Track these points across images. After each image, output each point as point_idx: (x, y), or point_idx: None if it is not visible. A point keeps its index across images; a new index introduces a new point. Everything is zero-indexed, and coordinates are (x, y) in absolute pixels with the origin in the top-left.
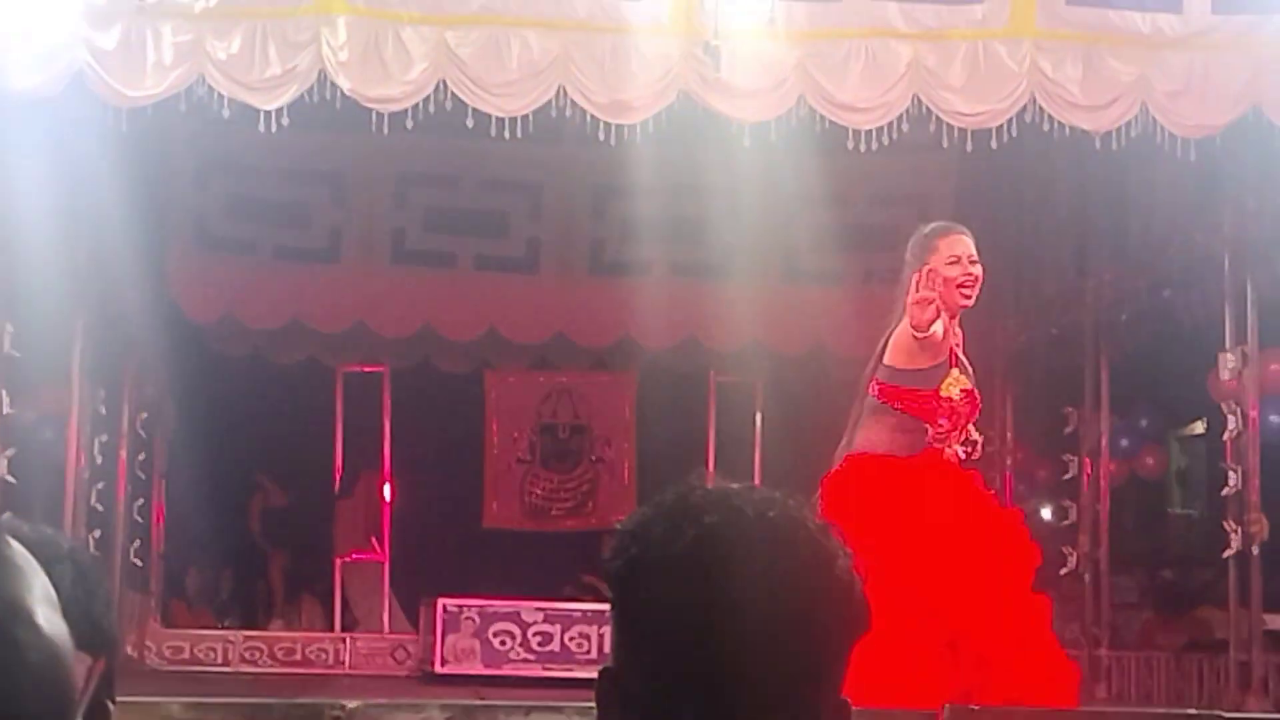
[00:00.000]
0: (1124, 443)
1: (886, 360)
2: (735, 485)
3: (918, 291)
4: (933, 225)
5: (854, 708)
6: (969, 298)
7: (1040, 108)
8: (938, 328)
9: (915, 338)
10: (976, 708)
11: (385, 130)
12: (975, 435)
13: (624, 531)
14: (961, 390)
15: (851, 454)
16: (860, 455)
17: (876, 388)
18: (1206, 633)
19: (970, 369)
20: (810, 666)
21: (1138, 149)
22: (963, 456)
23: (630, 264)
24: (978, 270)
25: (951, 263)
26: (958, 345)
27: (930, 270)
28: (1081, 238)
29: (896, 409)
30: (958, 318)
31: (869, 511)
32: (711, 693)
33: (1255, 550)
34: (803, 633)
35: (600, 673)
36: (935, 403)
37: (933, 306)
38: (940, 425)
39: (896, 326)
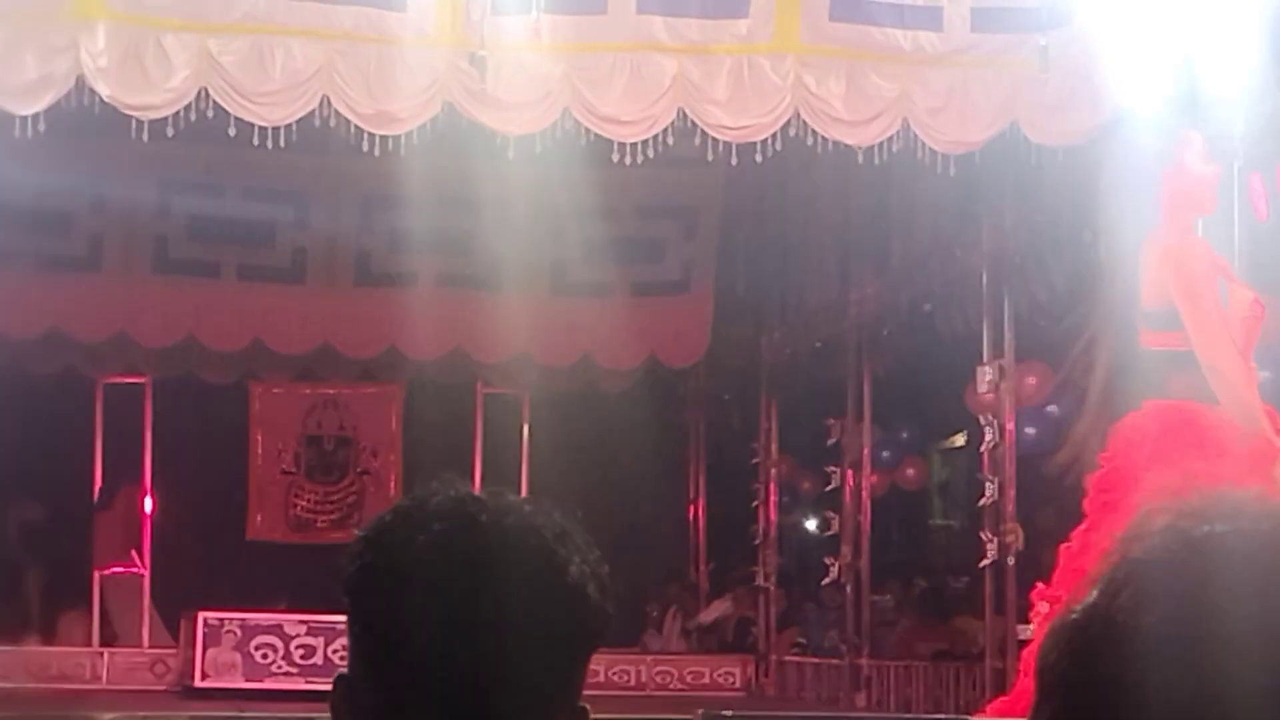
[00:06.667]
0: (885, 454)
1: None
2: (478, 492)
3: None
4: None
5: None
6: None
7: (804, 122)
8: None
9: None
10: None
11: (146, 138)
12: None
13: (361, 537)
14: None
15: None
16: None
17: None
18: (963, 641)
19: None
20: (541, 674)
21: (900, 164)
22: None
23: (397, 275)
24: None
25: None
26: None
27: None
28: (845, 252)
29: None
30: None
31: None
32: (442, 701)
33: (1010, 560)
34: (531, 641)
35: (335, 680)
36: None
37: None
38: None
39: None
